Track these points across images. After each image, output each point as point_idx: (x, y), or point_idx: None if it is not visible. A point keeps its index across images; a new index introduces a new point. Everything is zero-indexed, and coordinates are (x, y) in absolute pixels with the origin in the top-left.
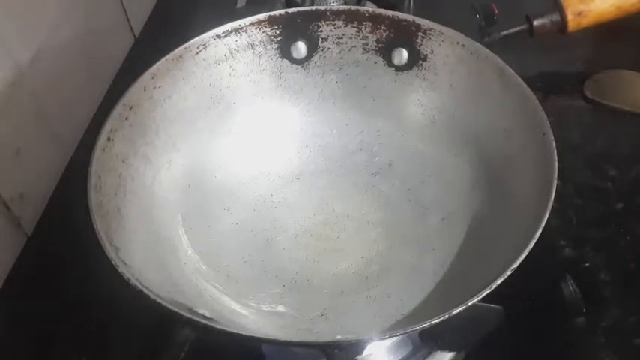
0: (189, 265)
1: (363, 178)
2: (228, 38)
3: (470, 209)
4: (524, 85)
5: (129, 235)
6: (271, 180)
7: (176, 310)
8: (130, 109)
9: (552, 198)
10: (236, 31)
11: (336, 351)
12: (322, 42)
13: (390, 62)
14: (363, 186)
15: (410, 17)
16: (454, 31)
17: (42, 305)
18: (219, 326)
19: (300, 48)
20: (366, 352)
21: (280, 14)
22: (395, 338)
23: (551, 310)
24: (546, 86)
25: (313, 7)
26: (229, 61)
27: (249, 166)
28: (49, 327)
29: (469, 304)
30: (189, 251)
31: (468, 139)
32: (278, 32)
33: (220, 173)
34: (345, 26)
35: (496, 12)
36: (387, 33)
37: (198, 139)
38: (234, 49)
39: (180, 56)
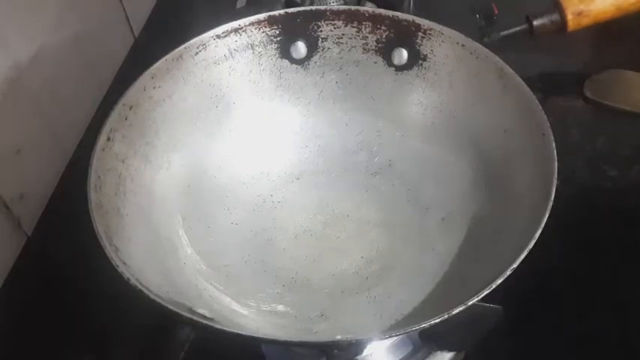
0: (189, 265)
1: (363, 178)
2: (227, 38)
3: (470, 209)
4: (524, 85)
5: (128, 235)
6: (271, 180)
7: (176, 310)
8: (130, 109)
9: (552, 198)
10: (236, 31)
11: (335, 351)
12: (322, 42)
13: (390, 62)
14: (363, 186)
15: (410, 17)
16: (454, 31)
17: (41, 305)
18: (219, 326)
19: (300, 48)
20: (366, 352)
21: (280, 14)
22: (395, 338)
23: (551, 310)
24: (546, 86)
25: (313, 7)
26: (229, 61)
27: (249, 166)
28: (48, 327)
29: (469, 304)
30: (189, 251)
31: (468, 139)
32: (278, 32)
33: (220, 173)
34: (344, 26)
35: (496, 12)
36: (387, 33)
37: (198, 139)
38: (234, 49)
39: (180, 56)
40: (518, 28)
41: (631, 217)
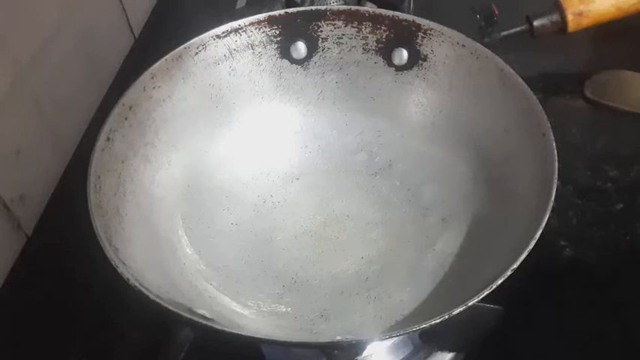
0: (188, 266)
1: (363, 178)
2: (227, 38)
3: (470, 209)
4: (525, 85)
5: (128, 236)
6: (271, 180)
7: (176, 310)
8: (130, 109)
9: (552, 198)
10: (236, 31)
11: (335, 352)
12: (322, 42)
13: (390, 62)
14: (363, 186)
15: (410, 17)
16: (454, 31)
17: (41, 305)
18: (218, 327)
19: (300, 48)
20: (366, 352)
21: (280, 14)
22: (395, 339)
23: (551, 310)
24: (546, 86)
25: (313, 7)
26: (229, 61)
27: (249, 166)
28: (48, 327)
29: (469, 304)
30: (189, 251)
31: (468, 139)
32: (278, 32)
33: (220, 173)
34: (345, 26)
35: (496, 12)
36: (387, 33)
37: (198, 139)
38: (234, 49)
39: (179, 56)
40: (518, 29)
41: (631, 217)
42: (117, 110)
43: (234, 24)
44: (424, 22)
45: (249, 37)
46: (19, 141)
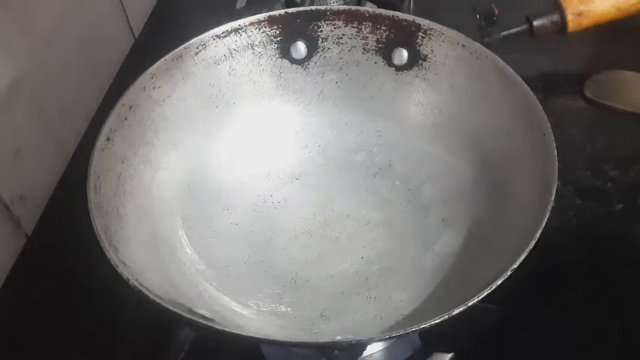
0: (188, 266)
1: (363, 178)
2: (227, 38)
3: (470, 209)
4: (525, 85)
5: (128, 236)
6: (271, 180)
7: (175, 310)
8: (130, 109)
9: (552, 198)
10: (236, 31)
11: (335, 352)
12: (322, 42)
13: (390, 62)
14: (363, 186)
15: (410, 17)
16: (454, 31)
17: (41, 305)
18: (218, 327)
19: (300, 48)
20: (366, 352)
21: (280, 14)
22: (395, 339)
23: (551, 310)
24: (546, 86)
25: (313, 7)
26: (229, 61)
27: (249, 166)
28: (48, 327)
29: (469, 304)
30: (189, 251)
31: (468, 139)
32: (278, 32)
33: (220, 173)
34: (345, 26)
35: (496, 12)
36: (387, 33)
37: (198, 139)
38: (234, 49)
39: (179, 56)
40: (518, 29)
41: (631, 217)
42: (117, 110)
43: (234, 24)
44: (424, 22)
45: (249, 37)
46: (19, 141)
